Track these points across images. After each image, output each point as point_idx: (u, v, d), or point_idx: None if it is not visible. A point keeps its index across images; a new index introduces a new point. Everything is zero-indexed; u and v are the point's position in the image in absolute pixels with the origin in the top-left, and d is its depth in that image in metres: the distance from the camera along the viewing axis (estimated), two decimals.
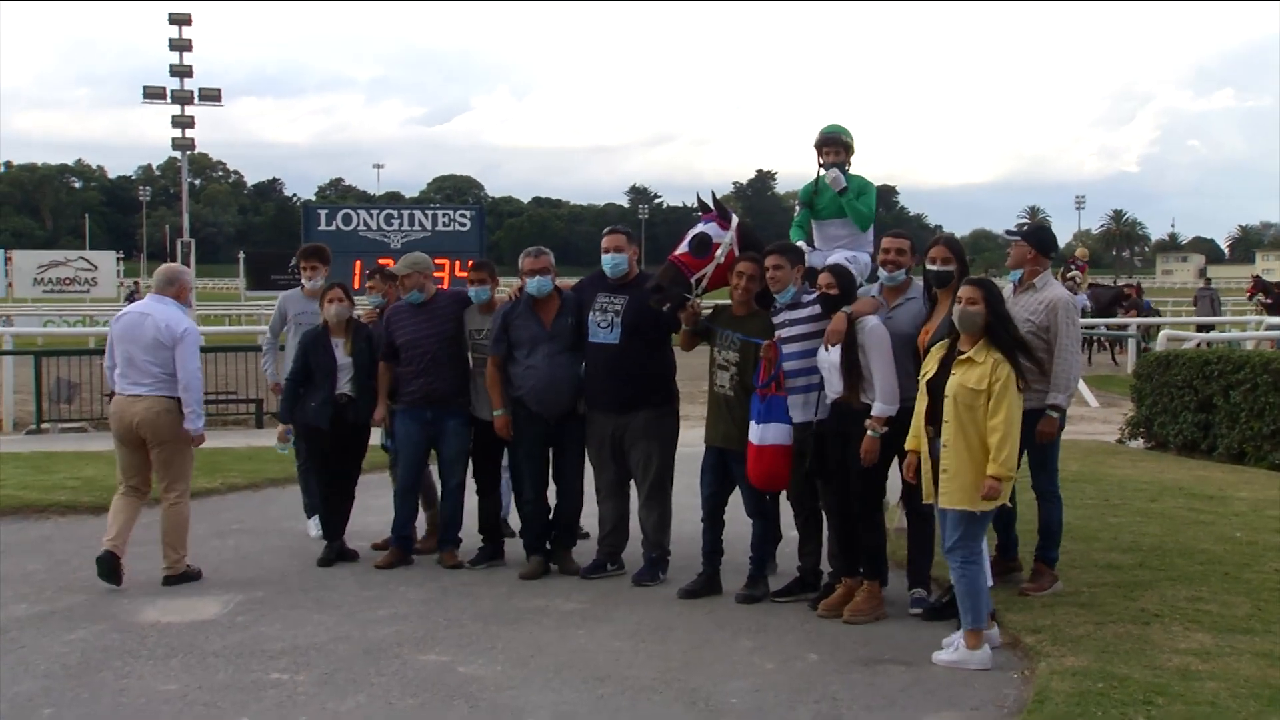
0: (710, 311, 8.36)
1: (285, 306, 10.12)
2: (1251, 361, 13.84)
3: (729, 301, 8.28)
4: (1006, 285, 7.88)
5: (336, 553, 9.17)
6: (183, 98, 43.22)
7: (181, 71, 43.02)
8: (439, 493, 9.30)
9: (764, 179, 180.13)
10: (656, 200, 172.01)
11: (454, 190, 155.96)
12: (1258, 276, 39.43)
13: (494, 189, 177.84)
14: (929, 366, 6.95)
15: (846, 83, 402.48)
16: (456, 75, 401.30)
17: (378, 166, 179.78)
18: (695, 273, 8.11)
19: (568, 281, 9.05)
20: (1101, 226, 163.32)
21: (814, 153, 8.60)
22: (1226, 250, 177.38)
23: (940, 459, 6.73)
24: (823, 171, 8.48)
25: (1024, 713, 5.76)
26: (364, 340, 9.14)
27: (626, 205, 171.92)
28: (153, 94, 43.97)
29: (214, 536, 9.91)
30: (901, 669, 6.68)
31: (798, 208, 9.05)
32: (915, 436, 7.02)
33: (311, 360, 9.11)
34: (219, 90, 43.98)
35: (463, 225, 19.71)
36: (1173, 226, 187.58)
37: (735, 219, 8.32)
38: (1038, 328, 7.63)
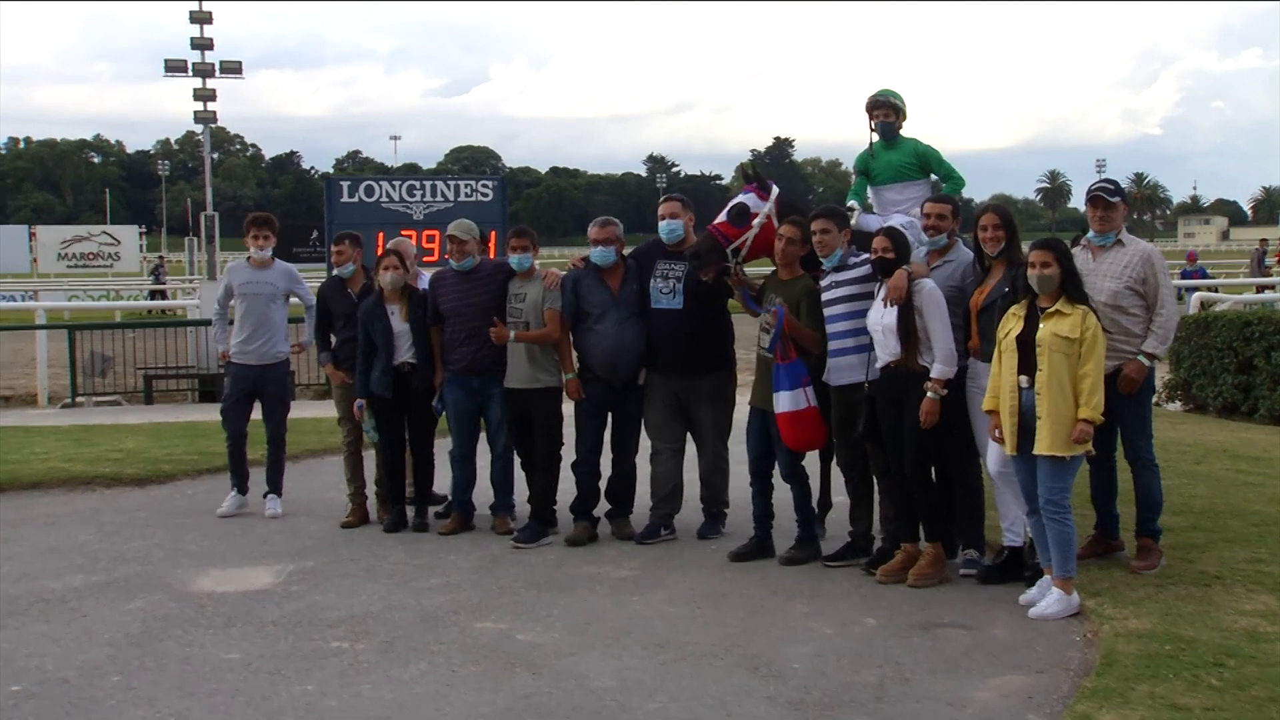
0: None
1: (230, 278, 10.05)
2: None
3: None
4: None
5: (405, 522, 9.27)
6: (204, 70, 42.85)
7: (203, 44, 42.64)
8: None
9: (782, 146, 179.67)
10: (675, 169, 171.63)
11: (471, 161, 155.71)
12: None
13: (511, 159, 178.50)
14: (1011, 325, 6.96)
15: (866, 47, 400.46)
16: (475, 46, 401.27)
17: (394, 138, 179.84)
18: (733, 241, 8.20)
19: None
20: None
21: (864, 117, 8.74)
22: (1250, 212, 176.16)
23: (1035, 408, 6.80)
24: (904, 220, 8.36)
25: (1093, 675, 5.72)
26: (419, 306, 9.12)
27: (644, 174, 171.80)
28: (174, 67, 43.54)
29: (260, 507, 9.91)
30: (961, 632, 6.66)
31: (854, 176, 9.01)
32: (993, 396, 7.02)
33: (370, 329, 9.10)
34: (240, 63, 43.54)
35: (485, 196, 19.59)
36: (1194, 189, 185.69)
37: (775, 190, 8.36)
38: (1134, 282, 7.46)
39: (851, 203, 8.52)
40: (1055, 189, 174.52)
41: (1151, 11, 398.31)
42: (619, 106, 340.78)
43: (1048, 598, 6.89)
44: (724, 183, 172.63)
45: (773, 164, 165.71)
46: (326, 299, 9.75)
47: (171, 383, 19.28)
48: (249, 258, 10.08)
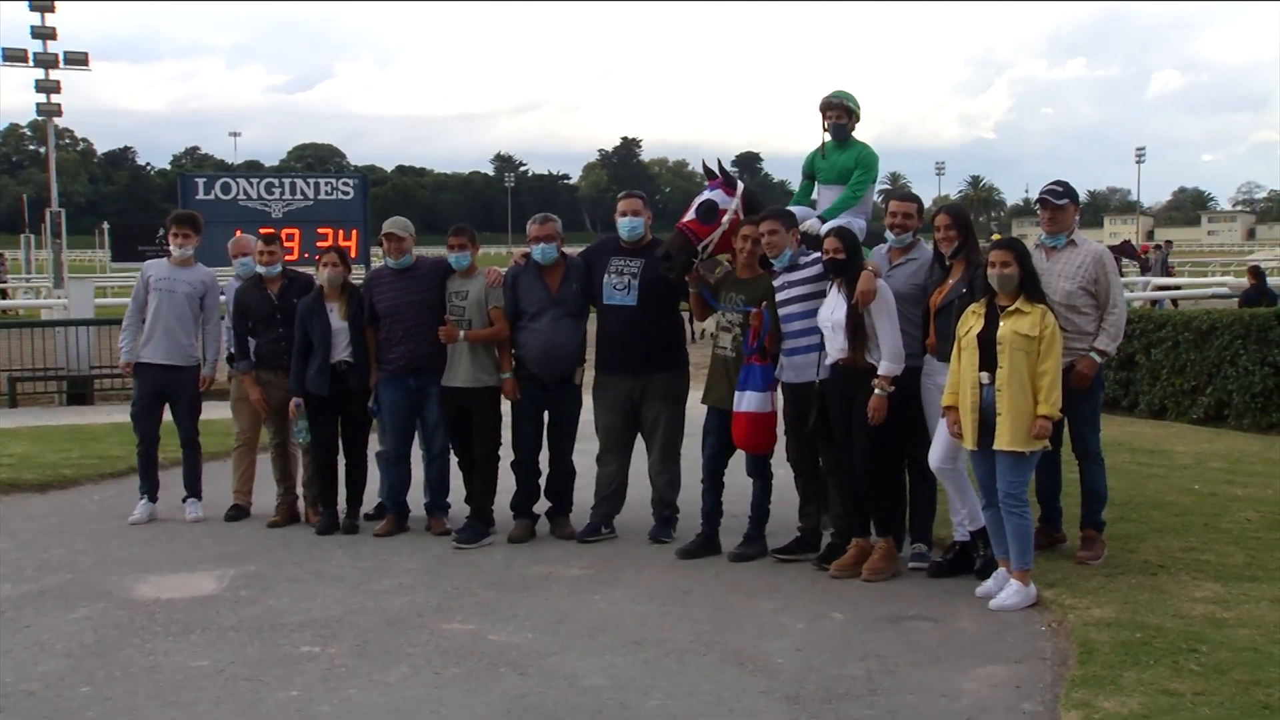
0: (717, 276, 8.38)
1: (148, 273, 9.66)
2: (1172, 320, 14.31)
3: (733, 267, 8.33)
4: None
5: (337, 524, 9.08)
6: (46, 61, 41.33)
7: (44, 34, 41.05)
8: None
9: (629, 146, 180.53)
10: (522, 168, 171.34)
11: (315, 159, 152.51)
12: (1127, 241, 40.82)
13: (356, 158, 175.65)
14: (971, 323, 7.09)
15: (711, 49, 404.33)
16: (320, 42, 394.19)
17: (235, 135, 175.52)
18: (703, 239, 8.18)
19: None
20: (960, 192, 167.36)
21: (818, 116, 8.68)
22: (1078, 215, 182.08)
23: (995, 404, 6.94)
24: (805, 224, 8.40)
25: (1076, 664, 5.87)
26: (359, 304, 8.94)
27: (492, 173, 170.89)
28: (12, 56, 41.92)
29: (178, 512, 9.62)
30: (929, 625, 6.77)
31: (802, 178, 9.05)
32: (952, 392, 7.15)
33: (308, 326, 8.88)
34: (86, 54, 41.87)
35: (346, 194, 19.29)
36: (1026, 191, 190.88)
37: (740, 185, 8.37)
38: (1087, 282, 7.70)
39: (812, 222, 8.45)
40: (896, 190, 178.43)
41: (986, 20, 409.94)
42: (466, 105, 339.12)
43: (1006, 589, 7.05)
44: (571, 182, 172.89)
45: (620, 164, 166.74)
46: (245, 302, 9.44)
47: (38, 385, 18.53)
48: (169, 254, 9.75)
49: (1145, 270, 32.92)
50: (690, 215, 8.24)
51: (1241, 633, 6.21)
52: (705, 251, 8.22)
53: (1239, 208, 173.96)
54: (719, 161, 8.44)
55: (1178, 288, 29.94)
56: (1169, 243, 38.18)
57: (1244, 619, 6.44)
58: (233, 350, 9.53)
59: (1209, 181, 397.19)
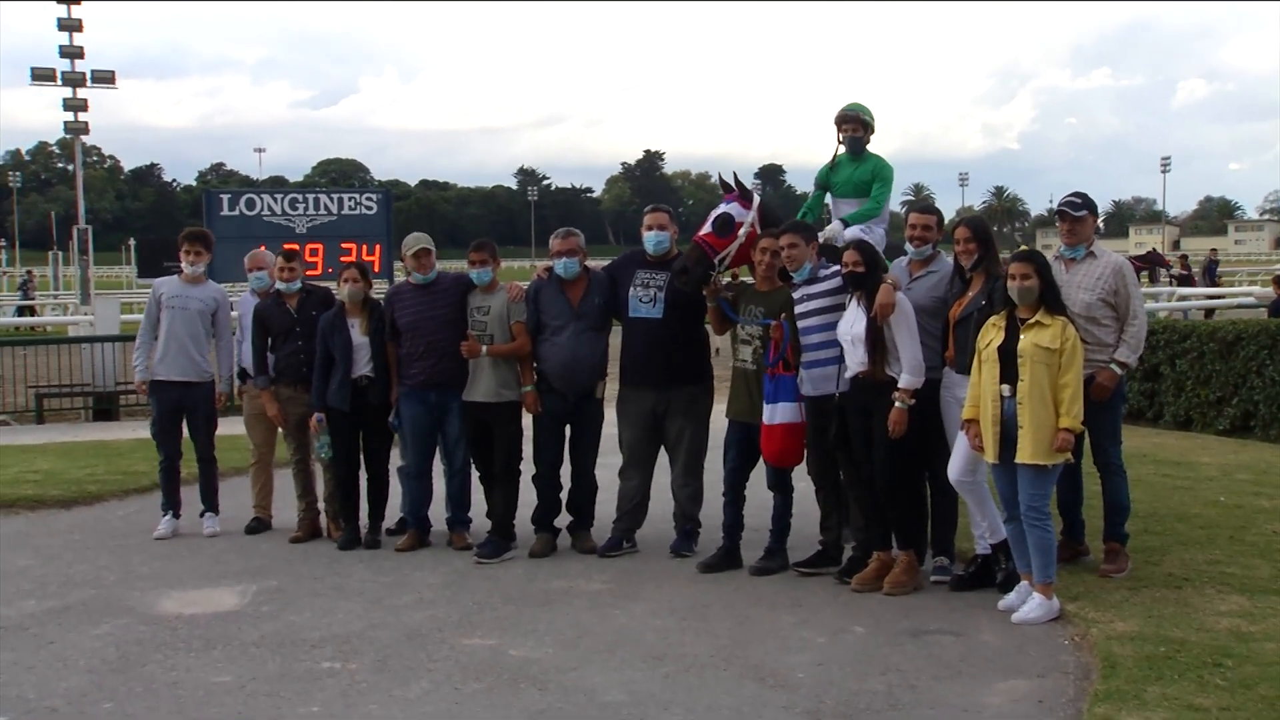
0: (735, 289, 8.38)
1: (159, 290, 9.71)
2: (1197, 330, 14.22)
3: (752, 280, 8.33)
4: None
5: (359, 539, 9.11)
6: (74, 80, 41.72)
7: (72, 53, 41.45)
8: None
9: (652, 159, 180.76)
10: (545, 182, 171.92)
11: (339, 174, 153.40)
12: (1153, 250, 40.68)
13: (380, 172, 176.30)
14: (991, 335, 7.06)
15: (734, 62, 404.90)
16: (344, 57, 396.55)
17: (259, 150, 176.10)
18: (719, 252, 8.18)
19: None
20: (984, 203, 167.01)
21: (833, 129, 8.74)
22: (1101, 225, 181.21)
23: (1016, 417, 6.92)
24: (826, 231, 8.44)
25: (1099, 679, 5.83)
26: (380, 320, 8.97)
27: (515, 187, 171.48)
28: (41, 75, 42.35)
29: (200, 527, 9.64)
30: (951, 639, 6.74)
31: (814, 188, 9.07)
32: (973, 405, 7.12)
33: (329, 341, 8.92)
34: (113, 73, 42.35)
35: (369, 209, 19.36)
36: (1050, 202, 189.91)
37: (757, 198, 8.38)
38: (1106, 293, 7.68)
39: (835, 227, 8.48)
40: (916, 202, 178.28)
41: (1009, 31, 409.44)
42: (489, 119, 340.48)
43: (1029, 603, 7.01)
44: (594, 195, 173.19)
45: (643, 177, 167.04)
46: (265, 317, 9.48)
47: (65, 401, 18.63)
48: (180, 272, 9.82)
49: (1169, 280, 32.84)
50: (706, 229, 8.25)
51: (1268, 647, 6.16)
52: (722, 265, 8.22)
53: (1266, 216, 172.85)
54: (734, 175, 8.44)
55: (1206, 297, 29.79)
56: (1214, 250, 38.11)
57: (1270, 633, 6.39)
58: (247, 367, 9.58)
59: (1236, 190, 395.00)
